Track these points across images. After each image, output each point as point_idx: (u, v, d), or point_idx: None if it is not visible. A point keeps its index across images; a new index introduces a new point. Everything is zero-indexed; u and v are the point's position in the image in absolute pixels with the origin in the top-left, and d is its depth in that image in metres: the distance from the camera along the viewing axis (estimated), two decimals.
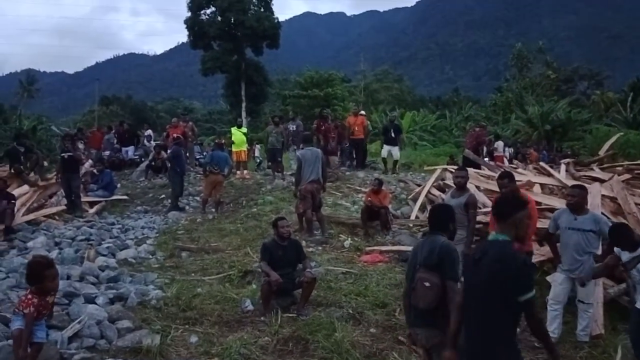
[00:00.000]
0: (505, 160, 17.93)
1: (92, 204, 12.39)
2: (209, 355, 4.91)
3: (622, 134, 19.28)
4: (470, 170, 9.90)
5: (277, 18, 41.10)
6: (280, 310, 5.88)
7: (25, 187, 11.27)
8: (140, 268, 7.75)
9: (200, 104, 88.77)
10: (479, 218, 6.97)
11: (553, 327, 5.33)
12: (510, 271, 2.85)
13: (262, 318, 5.80)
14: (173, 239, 9.59)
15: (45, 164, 14.70)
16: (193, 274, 7.46)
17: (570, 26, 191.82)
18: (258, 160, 22.08)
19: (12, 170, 11.60)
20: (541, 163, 13.64)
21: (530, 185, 9.38)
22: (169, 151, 13.78)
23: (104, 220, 11.21)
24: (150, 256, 8.54)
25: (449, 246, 3.65)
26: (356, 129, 15.85)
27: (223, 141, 15.19)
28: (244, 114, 38.51)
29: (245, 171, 15.82)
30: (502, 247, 2.98)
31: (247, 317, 5.85)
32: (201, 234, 9.91)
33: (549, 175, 10.64)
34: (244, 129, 17.63)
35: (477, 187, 9.61)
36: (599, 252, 5.49)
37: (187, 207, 12.73)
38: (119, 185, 14.68)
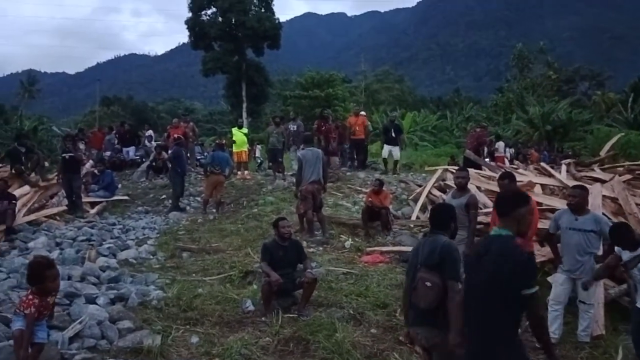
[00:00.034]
0: (506, 161, 17.93)
1: (93, 205, 12.39)
2: (209, 355, 4.91)
3: (623, 134, 19.29)
4: (471, 170, 9.89)
5: (277, 18, 41.18)
6: (281, 310, 5.88)
7: (26, 188, 11.27)
8: (141, 268, 7.76)
9: (201, 104, 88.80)
10: (479, 218, 6.96)
11: (554, 328, 5.32)
12: (515, 265, 2.85)
13: (262, 318, 5.79)
14: (174, 240, 9.59)
15: (46, 164, 14.74)
16: (194, 275, 7.47)
17: (573, 27, 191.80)
18: (259, 161, 22.13)
19: (13, 171, 11.60)
20: (542, 163, 13.62)
21: (531, 185, 9.37)
22: (169, 152, 13.80)
23: (105, 221, 11.21)
24: (151, 256, 8.54)
25: (451, 246, 3.65)
26: (357, 129, 15.85)
27: (224, 141, 15.21)
28: (244, 114, 38.51)
29: (246, 171, 15.82)
30: (506, 241, 2.98)
31: (247, 318, 5.85)
32: (202, 234, 9.91)
33: (550, 175, 10.63)
34: (245, 130, 17.64)
35: (478, 188, 9.61)
36: (600, 252, 5.49)
37: (188, 208, 12.73)
38: (119, 185, 14.69)
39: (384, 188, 10.27)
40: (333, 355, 4.89)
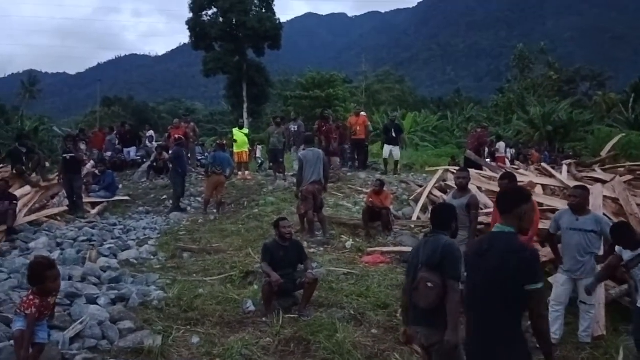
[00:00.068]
0: (507, 161, 17.91)
1: (94, 205, 12.41)
2: (210, 356, 4.91)
3: (624, 135, 19.28)
4: (472, 171, 9.89)
5: (278, 19, 41.24)
6: (281, 311, 5.88)
7: (27, 188, 11.28)
8: (142, 269, 7.76)
9: (201, 104, 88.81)
10: (480, 219, 6.97)
11: (555, 329, 5.31)
12: (519, 260, 2.85)
13: (263, 319, 5.79)
14: (175, 240, 9.60)
15: (47, 164, 14.74)
16: (195, 275, 7.47)
17: (574, 27, 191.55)
18: (259, 161, 22.13)
19: (14, 171, 11.61)
20: (543, 164, 13.62)
21: (532, 186, 9.36)
22: (170, 152, 13.80)
23: (106, 221, 11.22)
24: (152, 257, 8.55)
25: (452, 245, 3.65)
26: (358, 129, 15.83)
27: (224, 142, 15.21)
28: (245, 114, 38.56)
29: (246, 172, 15.83)
30: (510, 238, 2.98)
31: (248, 318, 5.85)
32: (203, 234, 9.92)
33: (551, 176, 10.63)
34: (246, 130, 17.66)
35: (479, 188, 9.61)
36: (601, 252, 5.49)
37: (188, 208, 12.74)
38: (120, 186, 14.70)
39: (384, 188, 10.27)
40: (334, 355, 4.89)
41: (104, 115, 54.78)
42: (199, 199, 13.35)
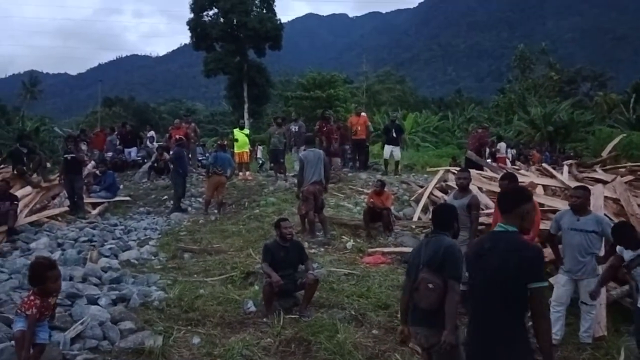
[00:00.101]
0: (508, 162, 17.89)
1: (94, 205, 12.41)
2: (211, 356, 4.91)
3: (625, 135, 19.24)
4: (473, 171, 9.88)
5: (279, 19, 41.25)
6: (282, 311, 5.88)
7: (28, 189, 11.29)
8: (142, 269, 7.76)
9: (202, 105, 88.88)
10: (481, 219, 6.97)
11: (556, 329, 5.31)
12: (523, 258, 2.84)
13: (264, 319, 5.79)
14: (175, 240, 9.60)
15: (48, 165, 14.75)
16: (195, 275, 7.47)
17: (575, 28, 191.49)
18: (260, 162, 22.13)
19: (15, 172, 11.61)
20: (544, 164, 13.61)
21: (532, 186, 9.36)
22: (171, 152, 13.81)
23: (107, 222, 11.22)
24: (153, 257, 8.55)
25: (454, 246, 3.65)
26: (359, 128, 15.82)
27: (225, 142, 15.22)
28: (246, 115, 38.58)
29: (247, 172, 15.83)
30: (513, 237, 2.97)
31: (249, 319, 5.85)
32: (203, 235, 9.92)
33: (552, 176, 10.62)
34: (246, 130, 17.66)
35: (480, 189, 9.60)
36: (601, 253, 5.49)
37: (189, 209, 12.74)
38: (121, 186, 14.71)
39: (385, 189, 10.26)
40: (334, 356, 4.89)
41: (104, 116, 54.80)
42: (200, 199, 13.35)
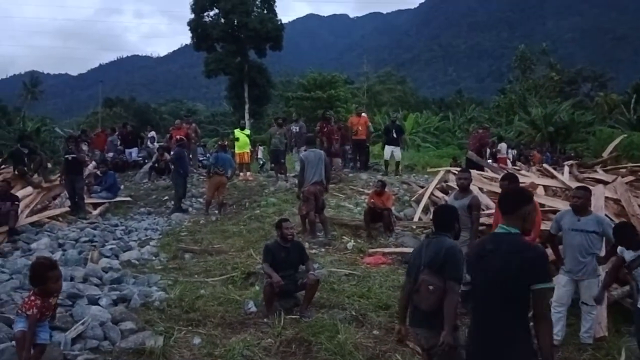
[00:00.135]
0: (509, 162, 17.90)
1: (95, 206, 12.41)
2: (212, 356, 4.91)
3: (625, 135, 19.22)
4: (473, 172, 9.88)
5: (280, 20, 41.28)
6: (283, 312, 5.88)
7: (29, 189, 11.29)
8: (143, 269, 7.77)
9: (203, 105, 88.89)
10: (482, 220, 6.96)
11: (557, 330, 5.30)
12: (525, 260, 2.83)
13: (265, 320, 5.79)
14: (176, 241, 9.60)
15: (49, 165, 14.75)
16: (196, 276, 7.47)
17: (575, 28, 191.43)
18: (261, 162, 22.12)
19: (16, 172, 11.62)
20: (544, 165, 13.61)
21: (533, 187, 9.36)
22: (172, 153, 13.81)
23: (108, 222, 11.23)
24: (154, 258, 8.55)
25: (455, 248, 3.65)
26: (360, 129, 15.82)
27: (226, 143, 15.23)
28: (247, 115, 38.59)
29: (248, 173, 15.83)
30: (515, 238, 2.96)
31: (250, 319, 5.85)
32: (204, 235, 9.92)
33: (552, 177, 10.62)
34: (247, 131, 17.66)
35: (480, 189, 9.59)
36: (602, 253, 5.49)
37: (190, 209, 12.75)
38: (122, 186, 14.71)
39: (386, 189, 10.26)
40: (335, 356, 4.89)
41: (105, 116, 54.84)
42: (201, 199, 13.36)
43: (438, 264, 3.57)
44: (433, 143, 34.42)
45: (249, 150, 16.80)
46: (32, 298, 4.05)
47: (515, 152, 22.63)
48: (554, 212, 7.33)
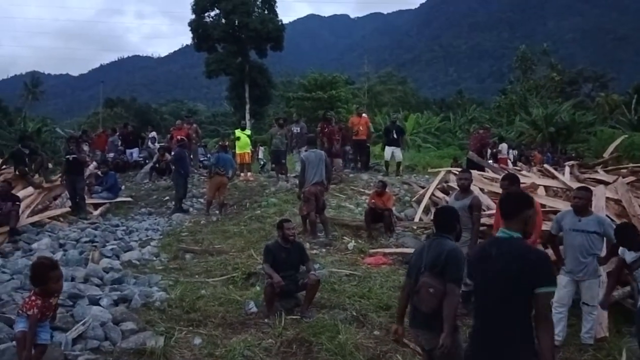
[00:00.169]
0: (509, 163, 17.90)
1: (96, 206, 12.41)
2: (212, 357, 4.91)
3: (626, 136, 19.25)
4: (474, 172, 9.88)
5: (281, 20, 41.30)
6: (284, 312, 5.88)
7: (30, 189, 11.30)
8: (144, 270, 7.77)
9: (204, 106, 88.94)
10: (482, 220, 6.96)
11: (558, 330, 5.30)
12: (531, 263, 2.82)
13: (265, 320, 5.79)
14: (177, 241, 9.61)
15: (50, 165, 14.75)
16: (197, 276, 7.47)
17: (576, 28, 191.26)
18: (262, 162, 22.11)
19: (17, 172, 11.63)
20: (545, 165, 13.61)
21: (534, 187, 9.36)
22: (172, 153, 13.81)
23: (108, 222, 11.23)
24: (154, 258, 8.55)
25: (456, 250, 3.65)
26: (360, 129, 15.82)
27: (227, 143, 15.24)
28: (247, 116, 38.61)
29: (249, 173, 15.84)
30: (518, 242, 2.96)
31: (250, 319, 5.85)
32: (205, 235, 9.92)
33: (553, 177, 10.62)
34: (248, 131, 17.67)
35: (481, 190, 9.60)
36: (603, 254, 5.49)
37: (191, 209, 12.75)
38: (123, 187, 14.71)
39: (387, 190, 10.27)
40: (336, 357, 4.89)
41: (106, 117, 54.84)
42: (201, 200, 13.36)
43: (439, 267, 3.57)
44: (434, 143, 34.42)
45: (249, 151, 16.81)
46: (33, 298, 4.05)
47: (516, 152, 22.62)
48: (555, 212, 7.33)
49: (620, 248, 5.08)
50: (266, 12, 40.69)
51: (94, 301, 5.77)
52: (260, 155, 23.48)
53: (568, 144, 28.36)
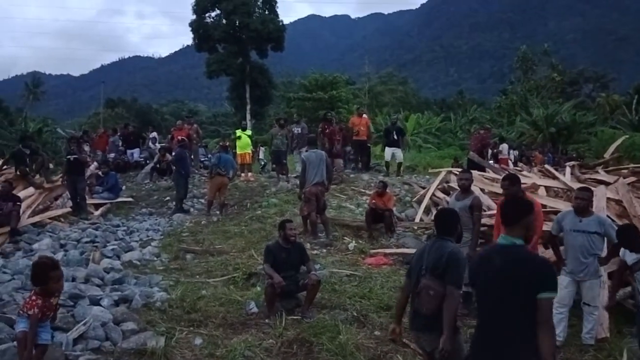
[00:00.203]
0: (510, 163, 17.90)
1: (97, 206, 12.41)
2: (213, 357, 4.91)
3: (627, 136, 19.26)
4: (475, 172, 9.88)
5: (281, 21, 41.32)
6: (284, 312, 5.88)
7: (31, 189, 11.30)
8: (145, 270, 7.77)
9: (205, 106, 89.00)
10: (483, 220, 6.96)
11: (558, 331, 5.29)
12: (533, 270, 2.84)
13: (266, 320, 5.79)
14: (178, 241, 9.61)
15: (51, 166, 14.75)
16: (197, 276, 7.48)
17: (577, 28, 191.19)
18: (262, 163, 22.12)
19: (18, 173, 11.63)
20: (546, 166, 13.60)
21: (535, 187, 9.36)
22: (173, 153, 13.82)
23: (109, 223, 11.23)
24: (155, 258, 8.56)
25: (458, 253, 3.65)
26: (361, 129, 15.82)
27: (228, 143, 15.24)
28: (248, 116, 38.64)
29: (249, 173, 15.84)
30: (521, 250, 2.98)
31: (251, 320, 5.85)
32: (206, 236, 9.92)
33: (554, 178, 10.61)
34: (249, 132, 17.68)
35: (482, 190, 9.59)
36: (604, 254, 5.49)
37: (191, 210, 12.75)
38: (124, 187, 14.71)
39: (387, 190, 10.27)
40: (337, 357, 4.89)
41: (107, 117, 54.88)
42: (202, 200, 13.36)
43: (440, 269, 3.57)
44: (434, 144, 34.42)
45: (250, 151, 16.82)
46: (34, 298, 4.06)
47: (517, 152, 22.63)
48: (555, 212, 7.33)
49: (622, 249, 5.08)
50: (267, 12, 40.70)
51: (95, 301, 5.78)
52: (261, 156, 23.50)
53: (569, 144, 28.35)
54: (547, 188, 9.80)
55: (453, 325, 3.51)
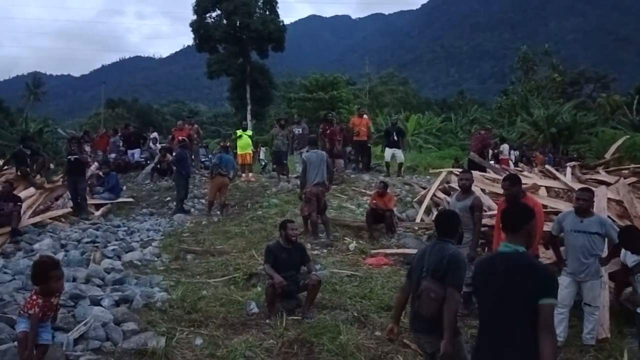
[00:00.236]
0: (511, 163, 17.90)
1: (98, 207, 12.42)
2: (214, 357, 4.91)
3: (628, 136, 19.25)
4: (476, 173, 9.88)
5: (282, 21, 41.35)
6: (285, 312, 5.88)
7: (32, 190, 11.30)
8: (145, 270, 7.77)
9: (205, 106, 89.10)
10: (484, 221, 6.95)
11: (559, 331, 5.28)
12: (535, 277, 2.87)
13: (267, 321, 5.79)
14: (178, 242, 9.61)
15: (52, 166, 14.76)
16: (198, 277, 7.48)
17: (577, 29, 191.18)
18: (263, 163, 22.13)
19: (19, 173, 11.64)
20: (547, 166, 13.59)
21: (535, 188, 9.35)
22: (174, 154, 13.82)
23: (110, 223, 11.24)
24: (156, 258, 8.56)
25: (459, 256, 3.64)
26: (362, 129, 15.81)
27: (228, 144, 15.24)
28: (249, 116, 38.66)
29: (250, 174, 15.84)
30: (524, 256, 3.00)
31: (252, 320, 5.85)
32: (206, 236, 9.92)
33: (555, 178, 10.61)
34: (249, 132, 17.68)
35: (483, 190, 9.59)
36: (604, 254, 5.48)
37: (192, 210, 12.75)
38: (124, 187, 14.71)
39: (388, 190, 10.27)
40: (337, 357, 4.89)
41: (108, 117, 54.92)
42: (203, 200, 13.36)
43: (441, 272, 3.56)
44: (435, 144, 34.41)
45: (251, 151, 16.82)
46: (34, 297, 4.06)
47: (518, 153, 22.62)
48: (556, 213, 7.32)
49: (622, 250, 5.08)
50: (267, 12, 40.73)
51: (96, 302, 5.78)
52: (262, 156, 23.50)
53: (569, 144, 28.36)
54: (547, 188, 9.80)
55: (453, 327, 3.51)
